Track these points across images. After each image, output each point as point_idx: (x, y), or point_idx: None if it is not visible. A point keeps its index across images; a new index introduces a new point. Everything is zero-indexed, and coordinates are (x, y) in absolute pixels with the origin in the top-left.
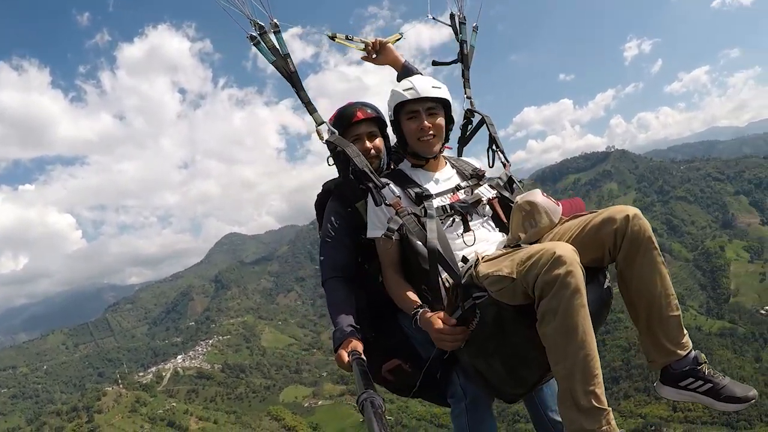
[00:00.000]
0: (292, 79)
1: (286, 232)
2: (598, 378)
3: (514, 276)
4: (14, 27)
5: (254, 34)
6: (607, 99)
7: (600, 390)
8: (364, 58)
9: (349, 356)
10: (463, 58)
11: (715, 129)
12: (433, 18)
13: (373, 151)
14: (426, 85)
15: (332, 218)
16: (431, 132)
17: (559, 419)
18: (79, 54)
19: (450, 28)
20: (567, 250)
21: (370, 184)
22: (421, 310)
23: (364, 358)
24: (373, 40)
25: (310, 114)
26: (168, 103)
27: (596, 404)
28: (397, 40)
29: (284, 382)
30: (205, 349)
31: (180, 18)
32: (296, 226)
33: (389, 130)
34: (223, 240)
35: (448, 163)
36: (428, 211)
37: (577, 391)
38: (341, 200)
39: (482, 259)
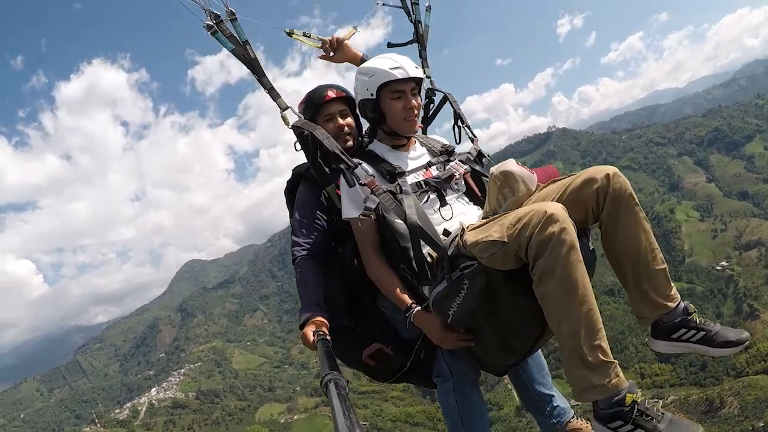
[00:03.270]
0: (253, 65)
1: (245, 252)
2: (602, 332)
3: (506, 239)
4: None
5: (210, 23)
6: (547, 78)
7: (605, 344)
8: (322, 57)
9: (314, 336)
10: (419, 38)
11: (656, 93)
12: (383, 3)
13: (347, 128)
14: (411, 64)
15: (304, 200)
16: (416, 111)
17: (546, 392)
18: (17, 98)
19: (402, 12)
20: (557, 208)
21: (342, 165)
22: (415, 310)
23: (329, 338)
24: (330, 38)
25: (274, 100)
26: (112, 137)
27: (603, 358)
28: (352, 34)
29: (259, 401)
30: (177, 379)
31: (113, 50)
32: (254, 245)
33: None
34: (184, 268)
35: (417, 142)
36: (403, 188)
37: (584, 348)
38: (313, 183)
39: (467, 228)
